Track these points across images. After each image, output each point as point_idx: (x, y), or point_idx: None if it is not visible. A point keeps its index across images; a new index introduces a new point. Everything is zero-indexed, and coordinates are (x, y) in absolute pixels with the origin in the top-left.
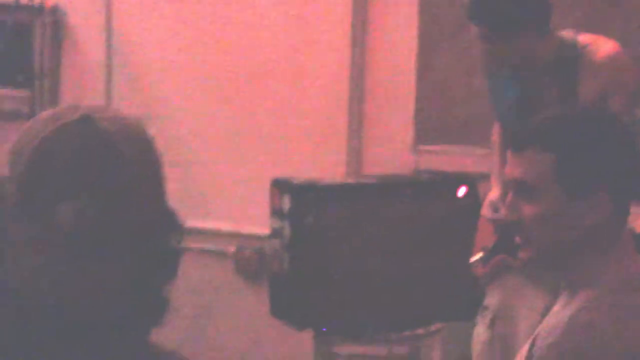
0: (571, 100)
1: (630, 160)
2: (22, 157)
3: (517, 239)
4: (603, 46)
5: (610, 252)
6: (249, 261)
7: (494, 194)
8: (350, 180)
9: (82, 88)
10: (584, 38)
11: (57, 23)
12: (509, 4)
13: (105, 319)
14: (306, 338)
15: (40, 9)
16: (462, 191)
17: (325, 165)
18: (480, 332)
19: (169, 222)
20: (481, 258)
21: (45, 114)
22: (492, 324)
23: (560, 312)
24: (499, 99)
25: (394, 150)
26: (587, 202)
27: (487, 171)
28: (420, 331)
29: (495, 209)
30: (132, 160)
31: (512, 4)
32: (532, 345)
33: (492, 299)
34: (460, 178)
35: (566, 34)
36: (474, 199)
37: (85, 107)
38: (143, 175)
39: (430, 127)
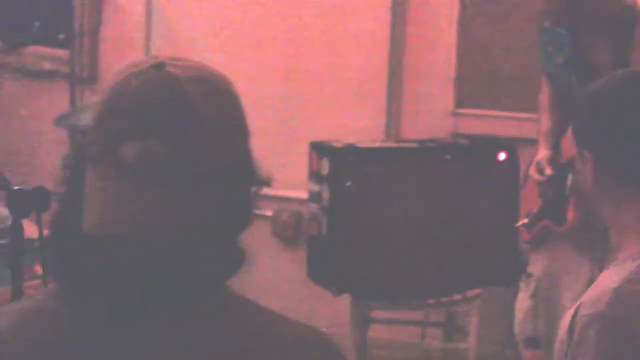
0: (623, 63)
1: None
2: (98, 102)
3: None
4: None
5: None
6: (286, 224)
7: (541, 154)
8: (389, 144)
9: (121, 48)
10: None
11: None
12: None
13: (182, 261)
14: (343, 302)
15: None
16: (501, 156)
17: (365, 128)
18: (523, 299)
19: (246, 172)
20: (525, 224)
21: (123, 66)
22: (535, 292)
23: (606, 282)
24: (551, 55)
25: (433, 114)
26: (579, 161)
27: (526, 136)
28: (457, 297)
29: (541, 170)
30: (200, 106)
31: None
32: (575, 314)
33: (536, 267)
34: (500, 143)
35: None
36: (514, 164)
37: (165, 57)
38: (215, 122)
39: (469, 91)
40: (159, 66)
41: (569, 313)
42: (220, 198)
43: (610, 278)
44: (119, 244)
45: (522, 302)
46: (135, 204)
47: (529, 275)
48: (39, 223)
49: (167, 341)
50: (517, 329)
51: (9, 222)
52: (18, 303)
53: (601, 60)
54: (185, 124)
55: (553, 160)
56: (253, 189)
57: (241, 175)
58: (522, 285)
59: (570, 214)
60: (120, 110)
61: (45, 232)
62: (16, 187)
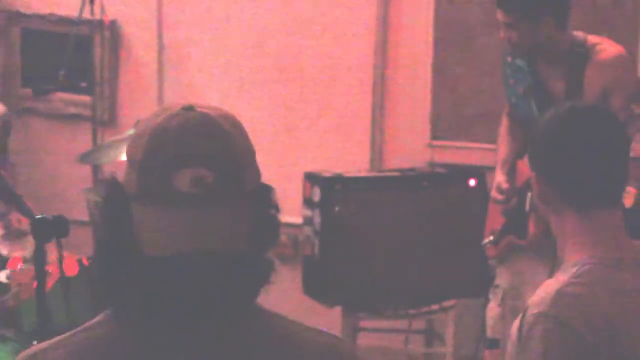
0: (575, 93)
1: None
2: (140, 144)
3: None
4: (610, 48)
5: (596, 233)
6: (284, 246)
7: (499, 178)
8: (373, 173)
9: (136, 93)
10: (592, 38)
11: (114, 36)
12: None
13: (230, 276)
14: (335, 313)
15: (100, 24)
16: (472, 182)
17: (351, 159)
18: (493, 307)
19: (268, 192)
20: (491, 241)
21: (152, 112)
22: (503, 301)
23: (550, 285)
24: (512, 86)
25: (411, 145)
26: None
27: (493, 164)
28: (435, 307)
29: (500, 191)
30: (233, 136)
31: None
32: (524, 314)
33: (502, 279)
34: (471, 170)
35: (577, 33)
36: (483, 189)
37: (183, 103)
38: (243, 148)
39: (443, 125)
40: (189, 108)
41: (520, 313)
42: (256, 217)
43: (554, 282)
44: (182, 264)
45: (492, 310)
46: (192, 226)
47: (497, 286)
48: (59, 247)
49: (216, 355)
50: (489, 332)
51: None
52: (73, 333)
53: (556, 89)
54: (225, 151)
55: (509, 183)
56: (274, 209)
57: (267, 196)
58: (491, 295)
59: (531, 228)
60: (167, 146)
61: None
62: (39, 216)
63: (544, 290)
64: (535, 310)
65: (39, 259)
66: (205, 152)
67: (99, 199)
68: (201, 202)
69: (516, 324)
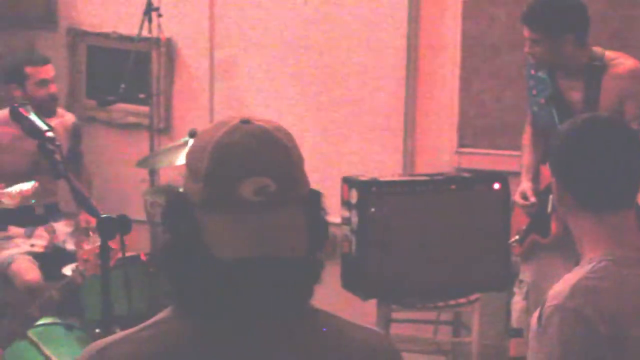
0: (593, 102)
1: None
2: (204, 156)
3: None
4: (625, 61)
5: (610, 234)
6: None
7: (524, 185)
8: (405, 177)
9: (189, 104)
10: (609, 54)
11: (169, 52)
12: (557, 15)
13: (295, 274)
14: (370, 305)
15: (157, 41)
16: (496, 186)
17: (385, 165)
18: (518, 301)
19: (319, 197)
20: (517, 240)
21: (209, 126)
22: (527, 295)
23: (567, 280)
24: (535, 96)
25: (441, 152)
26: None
27: (516, 170)
28: (462, 300)
29: (525, 197)
30: (289, 146)
31: (559, 15)
32: (543, 306)
33: (526, 275)
34: (495, 175)
35: (596, 49)
36: (506, 192)
37: (239, 117)
38: (297, 157)
39: (470, 134)
40: (247, 121)
41: (540, 305)
42: (310, 220)
43: (571, 276)
44: (250, 266)
45: (517, 303)
46: (257, 231)
47: (521, 281)
48: (122, 243)
49: (276, 351)
50: (514, 324)
51: None
52: (140, 329)
53: (575, 99)
54: (283, 161)
55: (534, 189)
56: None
57: (318, 200)
58: (516, 290)
59: (553, 227)
60: (232, 158)
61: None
62: (104, 215)
63: (562, 284)
64: (554, 302)
65: (103, 254)
66: (266, 162)
67: (163, 207)
68: (264, 209)
69: (536, 314)
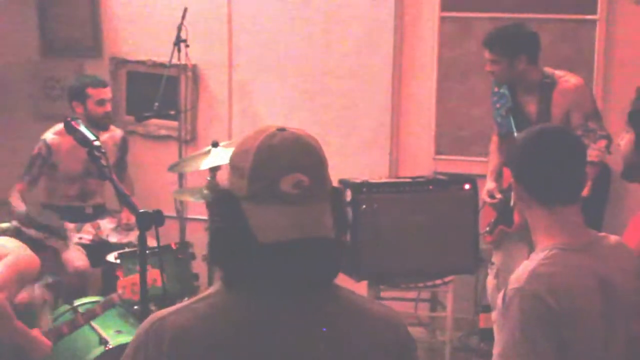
0: (545, 113)
1: (547, 168)
2: (248, 157)
3: (515, 213)
4: (571, 79)
5: (560, 225)
6: None
7: (489, 185)
8: (390, 180)
9: (211, 120)
10: (558, 72)
11: (195, 76)
12: (511, 38)
13: (326, 257)
14: (362, 286)
15: (184, 67)
16: (467, 186)
17: (374, 169)
18: (490, 280)
19: (341, 192)
20: (487, 231)
21: (250, 133)
22: (497, 275)
23: (526, 265)
24: (498, 109)
25: (421, 159)
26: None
27: (483, 173)
28: (438, 281)
29: (491, 195)
30: (318, 148)
31: (513, 39)
32: (506, 288)
33: (497, 258)
34: (466, 178)
35: (547, 68)
36: (475, 192)
37: (275, 126)
38: (323, 158)
39: (445, 143)
40: (282, 129)
41: (504, 287)
42: (335, 211)
43: (528, 263)
44: (291, 248)
45: (490, 282)
46: (295, 218)
47: (492, 263)
48: (157, 235)
49: (312, 323)
50: (488, 298)
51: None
52: (193, 301)
53: (530, 111)
54: (315, 161)
55: (498, 188)
56: (345, 203)
57: (341, 195)
58: (489, 271)
59: (516, 218)
60: (274, 158)
61: (162, 242)
62: (142, 210)
63: (521, 270)
64: (514, 285)
65: (141, 243)
66: (302, 162)
67: (210, 201)
68: (301, 200)
69: (500, 295)
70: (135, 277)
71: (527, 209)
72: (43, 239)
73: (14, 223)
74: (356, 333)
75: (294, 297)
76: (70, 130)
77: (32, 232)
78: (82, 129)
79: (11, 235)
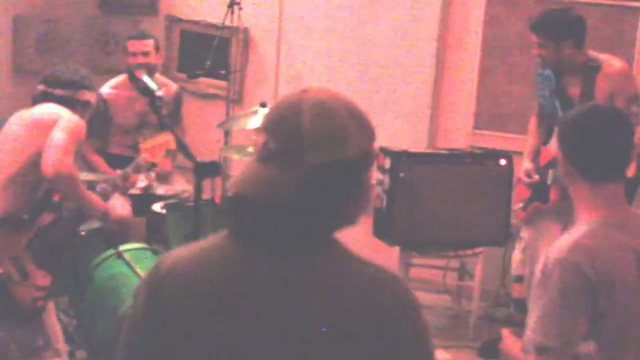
0: (588, 96)
1: (601, 145)
2: (288, 125)
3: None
4: (616, 63)
5: (603, 201)
6: None
7: (527, 165)
8: (429, 150)
9: (259, 81)
10: (603, 56)
11: (246, 38)
12: (558, 23)
13: (289, 217)
14: (395, 251)
15: (236, 29)
16: (502, 162)
17: (414, 139)
18: (517, 253)
19: (365, 162)
20: (521, 207)
21: (283, 97)
22: (524, 249)
23: (567, 237)
24: (541, 90)
25: (459, 132)
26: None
27: (519, 149)
28: (469, 251)
29: (528, 175)
30: (316, 117)
31: (560, 24)
32: (547, 257)
33: (525, 233)
34: (502, 153)
35: (592, 52)
36: (510, 167)
37: (312, 86)
38: (319, 130)
39: (484, 118)
40: (305, 90)
41: (544, 257)
42: (353, 179)
43: (569, 235)
44: (246, 203)
45: (516, 256)
46: (246, 176)
47: (521, 238)
48: (212, 184)
49: (301, 273)
50: (513, 271)
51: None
52: (203, 241)
53: (574, 93)
54: (292, 128)
55: (535, 168)
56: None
57: (362, 165)
58: (516, 245)
59: (552, 195)
60: (266, 114)
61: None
62: (200, 160)
63: (563, 241)
64: (555, 256)
65: (197, 191)
66: (279, 125)
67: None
68: (264, 159)
69: (540, 265)
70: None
71: (571, 184)
72: None
73: None
74: (348, 293)
75: (279, 252)
76: (134, 80)
77: None
78: (145, 79)
79: None
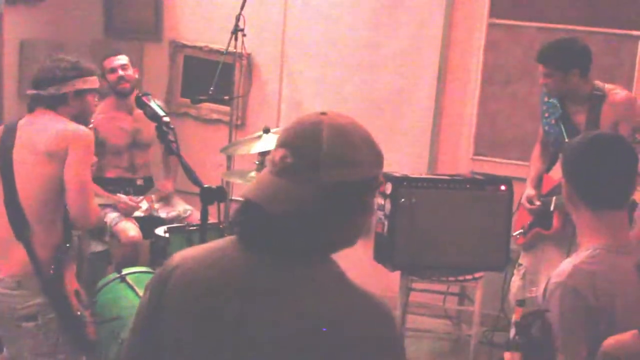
0: (594, 124)
1: (605, 173)
2: (308, 143)
3: (555, 217)
4: (621, 92)
5: (605, 227)
6: None
7: (529, 192)
8: (430, 176)
9: (261, 106)
10: (608, 86)
11: (249, 64)
12: (565, 53)
13: (290, 230)
14: (395, 276)
15: (239, 55)
16: (502, 188)
17: (414, 165)
18: (516, 280)
19: (372, 187)
20: (521, 232)
21: (303, 117)
22: (524, 276)
23: (568, 262)
24: (547, 118)
25: (459, 158)
26: (563, 184)
27: (519, 176)
28: (468, 276)
29: (530, 202)
30: (329, 138)
31: (567, 54)
32: (548, 282)
33: (525, 259)
34: (502, 179)
35: (597, 82)
36: (510, 193)
37: (331, 111)
38: (335, 150)
39: (484, 145)
40: (324, 113)
41: (546, 281)
42: (361, 197)
43: (571, 260)
44: (242, 207)
45: (515, 282)
46: (262, 185)
47: (520, 265)
48: (218, 209)
49: (284, 279)
50: (511, 298)
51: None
52: (212, 241)
53: (579, 121)
54: (312, 146)
55: (537, 195)
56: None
57: (365, 185)
58: (515, 271)
59: (555, 222)
60: (283, 132)
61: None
62: (206, 186)
63: (564, 266)
64: (557, 280)
65: (203, 215)
66: (297, 143)
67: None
68: (279, 172)
69: (541, 288)
70: None
71: (574, 210)
72: None
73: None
74: (329, 314)
75: (278, 262)
76: (141, 105)
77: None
78: (152, 104)
79: None
